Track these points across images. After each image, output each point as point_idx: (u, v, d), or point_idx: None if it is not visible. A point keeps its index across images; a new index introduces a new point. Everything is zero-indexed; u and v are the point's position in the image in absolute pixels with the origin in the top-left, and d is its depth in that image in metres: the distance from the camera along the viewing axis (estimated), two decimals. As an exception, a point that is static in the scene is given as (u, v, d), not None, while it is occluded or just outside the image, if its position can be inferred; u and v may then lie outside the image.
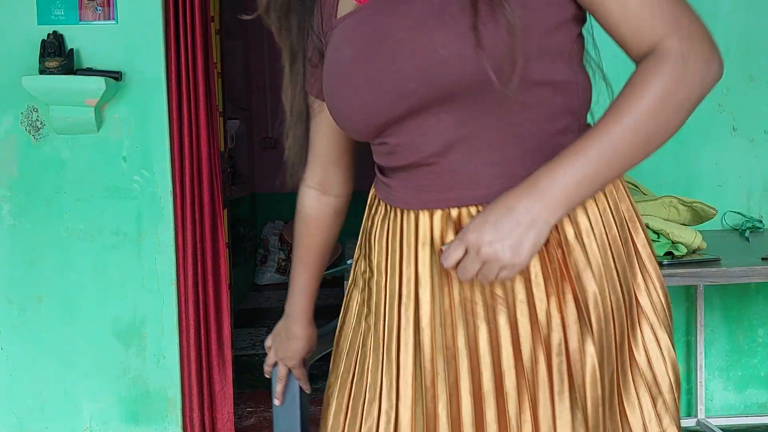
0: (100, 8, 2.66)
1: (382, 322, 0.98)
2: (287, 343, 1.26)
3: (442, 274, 0.91)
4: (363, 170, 1.19)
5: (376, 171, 1.04)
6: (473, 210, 0.89)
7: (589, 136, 0.81)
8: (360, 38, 0.91)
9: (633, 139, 0.80)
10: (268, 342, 1.31)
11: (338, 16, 0.99)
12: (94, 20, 2.67)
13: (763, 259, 2.07)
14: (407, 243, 0.94)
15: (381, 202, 1.02)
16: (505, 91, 0.81)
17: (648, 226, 2.15)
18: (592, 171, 0.80)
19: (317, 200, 1.19)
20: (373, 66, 0.88)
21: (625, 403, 0.92)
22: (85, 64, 2.66)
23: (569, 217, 0.87)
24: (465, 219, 0.89)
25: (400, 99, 0.87)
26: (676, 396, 0.95)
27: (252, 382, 3.51)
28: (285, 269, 6.02)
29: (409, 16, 0.85)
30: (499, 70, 0.80)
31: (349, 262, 1.98)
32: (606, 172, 0.81)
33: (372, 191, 1.07)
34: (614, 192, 0.92)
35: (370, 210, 1.07)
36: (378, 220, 1.02)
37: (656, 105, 0.79)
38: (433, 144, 0.89)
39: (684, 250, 2.14)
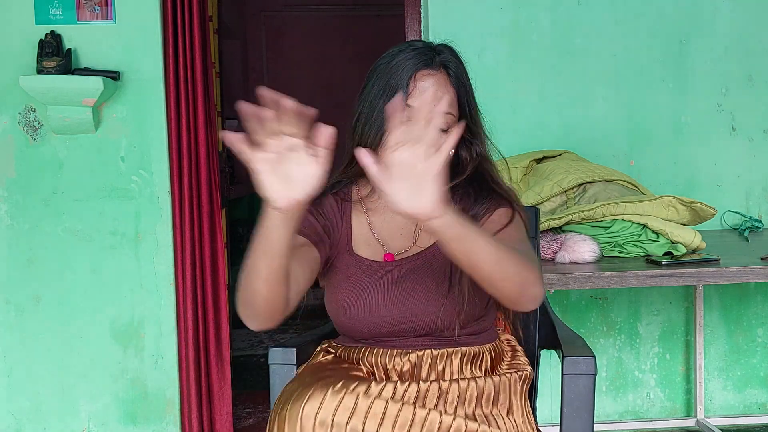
0: (98, 8, 2.66)
1: None
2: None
3: None
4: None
5: None
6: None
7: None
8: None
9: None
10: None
11: (353, 247, 1.38)
12: (92, 20, 2.66)
13: (762, 258, 2.06)
14: None
15: None
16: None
17: (647, 226, 2.15)
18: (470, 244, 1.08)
19: None
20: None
21: None
22: (83, 64, 2.65)
23: None
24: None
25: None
26: None
27: (250, 383, 3.51)
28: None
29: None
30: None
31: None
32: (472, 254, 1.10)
33: None
34: None
35: None
36: None
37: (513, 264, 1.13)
38: None
39: (683, 250, 2.14)
